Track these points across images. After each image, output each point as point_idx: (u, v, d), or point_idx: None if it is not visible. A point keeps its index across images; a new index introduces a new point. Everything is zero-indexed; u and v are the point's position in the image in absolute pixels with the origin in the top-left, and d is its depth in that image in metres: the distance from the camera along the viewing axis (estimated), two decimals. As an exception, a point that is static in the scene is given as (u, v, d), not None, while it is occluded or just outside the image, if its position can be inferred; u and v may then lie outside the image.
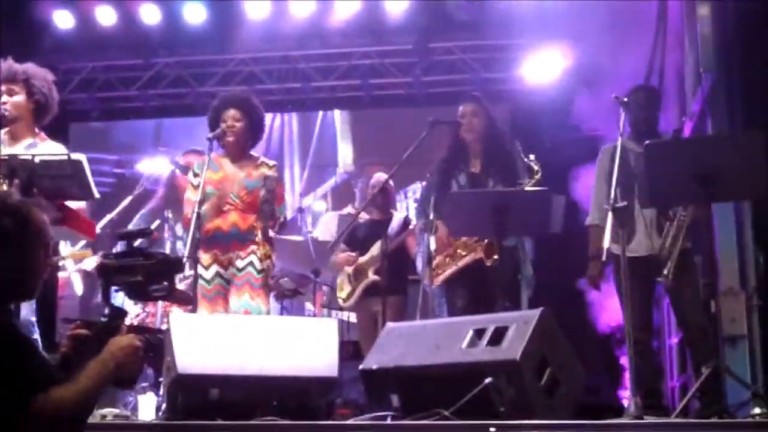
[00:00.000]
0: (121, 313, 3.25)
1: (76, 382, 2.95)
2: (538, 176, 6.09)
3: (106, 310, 3.24)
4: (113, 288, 3.31)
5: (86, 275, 10.21)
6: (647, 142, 5.49)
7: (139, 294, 3.39)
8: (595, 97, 7.78)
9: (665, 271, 5.61)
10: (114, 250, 4.85)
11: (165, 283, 3.33)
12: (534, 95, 9.58)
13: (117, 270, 3.28)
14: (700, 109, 6.86)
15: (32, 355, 3.02)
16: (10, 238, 3.04)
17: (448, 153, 6.57)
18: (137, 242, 3.40)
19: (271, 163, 6.30)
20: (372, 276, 7.37)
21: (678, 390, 7.36)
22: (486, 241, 6.09)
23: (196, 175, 6.13)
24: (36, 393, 2.87)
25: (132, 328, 3.23)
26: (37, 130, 5.91)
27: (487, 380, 4.25)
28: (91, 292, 10.29)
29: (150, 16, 9.68)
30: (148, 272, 3.28)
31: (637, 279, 5.69)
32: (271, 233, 6.19)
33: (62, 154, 5.17)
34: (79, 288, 10.26)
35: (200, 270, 5.93)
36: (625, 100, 5.52)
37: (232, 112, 6.16)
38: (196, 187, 6.02)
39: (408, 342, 4.77)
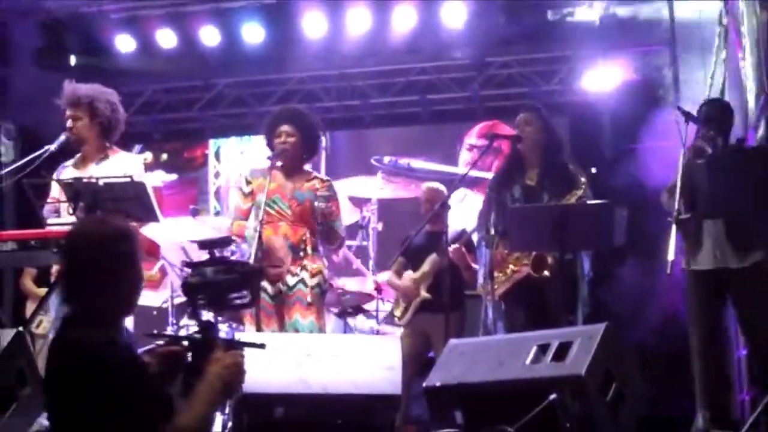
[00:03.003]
0: (212, 327, 3.28)
1: (193, 408, 3.01)
2: (584, 187, 6.06)
3: (197, 326, 3.29)
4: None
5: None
6: (710, 152, 5.42)
7: (219, 303, 3.42)
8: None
9: None
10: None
11: (245, 291, 3.37)
12: (593, 107, 9.52)
13: (202, 286, 3.32)
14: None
15: (153, 379, 3.12)
16: (128, 259, 3.18)
17: (505, 164, 6.55)
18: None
19: (324, 178, 6.30)
20: (424, 293, 7.31)
21: (748, 404, 7.23)
22: (534, 254, 6.06)
23: (249, 182, 6.17)
24: (165, 422, 2.94)
25: (228, 343, 3.26)
26: (108, 145, 6.03)
27: (552, 396, 4.22)
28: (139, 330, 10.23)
29: (209, 38, 9.78)
30: (230, 284, 3.33)
31: (705, 292, 5.62)
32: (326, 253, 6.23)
33: (125, 177, 5.25)
34: (130, 323, 10.26)
35: (264, 284, 5.93)
36: (687, 111, 5.46)
37: (285, 128, 6.17)
38: (246, 195, 6.08)
39: (471, 358, 4.75)
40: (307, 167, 6.37)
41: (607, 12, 8.79)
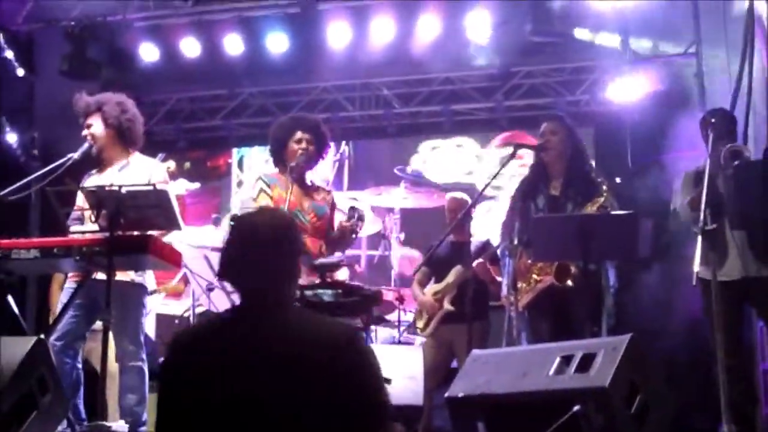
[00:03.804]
0: None
1: None
2: (606, 194, 6.02)
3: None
4: None
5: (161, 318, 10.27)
6: (737, 162, 5.36)
7: None
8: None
9: None
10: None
11: (363, 315, 3.42)
12: (618, 118, 9.46)
13: (322, 307, 3.36)
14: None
15: None
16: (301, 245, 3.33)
17: (529, 174, 6.52)
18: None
19: (328, 188, 6.35)
20: (447, 306, 7.29)
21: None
22: (557, 263, 6.01)
23: (267, 185, 6.12)
24: None
25: None
26: (129, 150, 6.06)
27: (576, 408, 4.18)
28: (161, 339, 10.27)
29: (233, 46, 9.79)
30: (351, 307, 3.37)
31: (727, 303, 5.56)
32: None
33: (148, 185, 5.25)
34: (151, 331, 10.26)
35: None
36: (713, 121, 5.41)
37: (307, 136, 6.14)
38: (270, 196, 6.02)
39: (494, 369, 4.72)
40: (309, 177, 6.32)
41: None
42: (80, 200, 5.81)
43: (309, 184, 6.24)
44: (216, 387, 3.03)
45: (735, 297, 5.73)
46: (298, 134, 6.11)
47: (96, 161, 6.07)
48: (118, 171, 5.96)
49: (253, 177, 11.48)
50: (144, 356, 5.80)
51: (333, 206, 6.21)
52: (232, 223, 3.40)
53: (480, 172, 10.80)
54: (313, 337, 3.01)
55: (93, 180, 5.94)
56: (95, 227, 5.23)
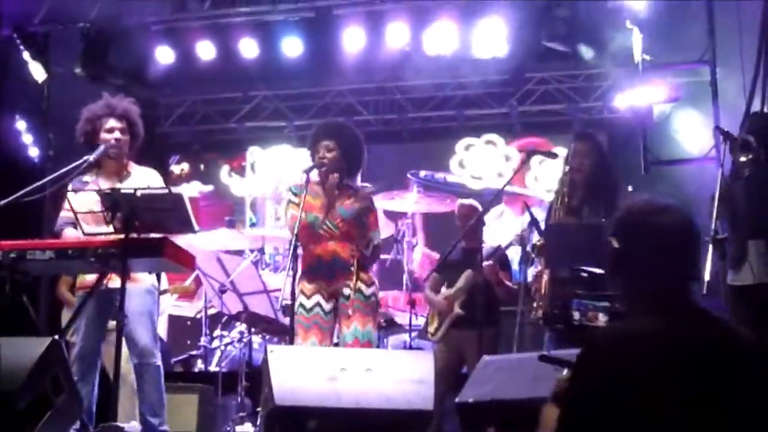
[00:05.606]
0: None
1: None
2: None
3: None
4: None
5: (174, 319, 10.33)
6: (748, 172, 5.37)
7: None
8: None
9: None
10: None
11: None
12: (631, 125, 9.46)
13: None
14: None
15: None
16: None
17: (558, 186, 6.46)
18: None
19: (367, 190, 6.20)
20: (457, 309, 7.31)
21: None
22: None
23: (295, 194, 6.11)
24: None
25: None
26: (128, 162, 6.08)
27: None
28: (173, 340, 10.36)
29: (248, 50, 9.83)
30: None
31: (748, 308, 5.52)
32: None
33: (162, 188, 5.27)
34: (164, 332, 10.28)
35: (301, 298, 5.94)
36: (726, 130, 5.40)
37: (325, 143, 6.10)
38: (297, 205, 6.00)
39: (505, 375, 4.71)
40: (356, 180, 6.25)
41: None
42: (76, 204, 5.69)
43: (345, 187, 6.13)
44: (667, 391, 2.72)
45: (757, 301, 5.64)
46: (321, 142, 6.08)
47: (94, 168, 5.98)
48: (120, 183, 5.93)
49: (267, 180, 11.63)
50: (159, 355, 5.85)
51: (367, 209, 6.11)
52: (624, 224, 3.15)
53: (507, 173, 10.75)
54: (738, 341, 2.84)
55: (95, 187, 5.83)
56: (110, 229, 5.25)
